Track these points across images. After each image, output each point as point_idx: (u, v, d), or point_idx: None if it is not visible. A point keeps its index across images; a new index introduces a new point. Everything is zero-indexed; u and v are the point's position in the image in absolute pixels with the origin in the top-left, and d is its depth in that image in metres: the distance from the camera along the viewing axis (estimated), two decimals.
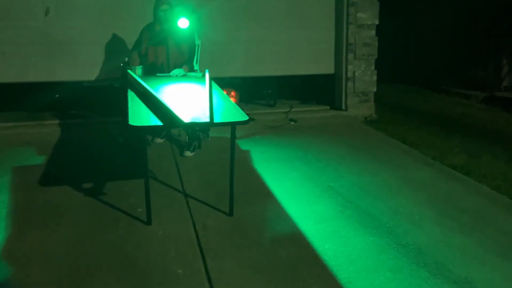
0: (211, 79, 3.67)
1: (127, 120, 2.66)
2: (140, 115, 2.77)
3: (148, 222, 2.94)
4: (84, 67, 5.31)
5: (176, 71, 4.15)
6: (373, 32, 5.84)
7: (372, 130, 5.41)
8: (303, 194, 3.48)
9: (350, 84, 5.88)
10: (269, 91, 6.24)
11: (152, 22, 4.24)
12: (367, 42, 5.82)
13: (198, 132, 4.05)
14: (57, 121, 5.26)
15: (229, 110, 2.92)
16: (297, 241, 2.79)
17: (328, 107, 6.18)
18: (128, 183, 3.59)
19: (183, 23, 4.04)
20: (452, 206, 3.30)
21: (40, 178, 3.67)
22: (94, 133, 5.00)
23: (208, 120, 2.48)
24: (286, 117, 5.70)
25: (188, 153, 4.23)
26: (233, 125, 2.72)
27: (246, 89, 6.16)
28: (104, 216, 3.08)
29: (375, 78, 5.98)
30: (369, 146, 4.70)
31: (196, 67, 4.24)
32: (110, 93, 5.57)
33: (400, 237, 2.84)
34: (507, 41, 8.72)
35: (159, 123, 2.60)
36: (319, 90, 6.39)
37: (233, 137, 2.89)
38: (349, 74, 5.85)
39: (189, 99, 3.22)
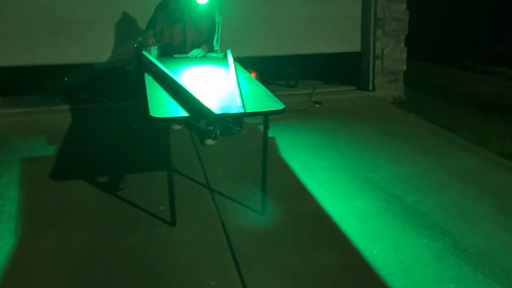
0: (235, 60, 3.33)
1: (146, 110, 2.34)
2: (161, 105, 2.44)
3: (172, 223, 2.64)
4: (94, 48, 4.96)
5: (195, 52, 3.80)
6: (404, 5, 5.39)
7: (404, 112, 5.02)
8: (340, 187, 3.15)
9: (378, 62, 5.47)
10: (290, 71, 5.85)
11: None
12: (397, 17, 5.38)
13: (230, 125, 3.68)
14: (67, 107, 4.96)
15: (261, 96, 2.57)
16: (340, 245, 2.47)
17: (353, 88, 5.78)
18: (147, 177, 3.29)
19: None
20: (509, 201, 2.96)
21: (52, 172, 3.38)
22: (107, 120, 4.68)
23: (241, 110, 2.14)
24: (309, 99, 5.33)
25: (209, 141, 3.91)
26: (267, 114, 2.38)
27: (265, 69, 5.77)
28: (123, 215, 2.78)
29: (405, 56, 5.56)
30: (404, 131, 4.33)
31: (216, 47, 3.88)
32: (123, 76, 5.23)
33: (457, 239, 2.51)
34: None
35: (185, 114, 2.26)
36: (343, 69, 5.98)
37: (266, 128, 2.55)
38: (377, 52, 5.44)
39: (214, 85, 2.87)
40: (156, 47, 3.84)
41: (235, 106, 2.25)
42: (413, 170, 3.42)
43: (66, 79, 5.49)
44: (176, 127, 4.28)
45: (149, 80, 2.93)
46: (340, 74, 5.99)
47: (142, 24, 4.39)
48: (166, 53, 3.87)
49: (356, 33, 5.57)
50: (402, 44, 5.50)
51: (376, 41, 5.39)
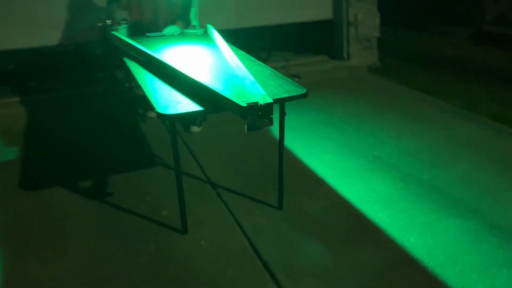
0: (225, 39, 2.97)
1: (125, 97, 1.96)
2: (166, 98, 2.06)
3: (184, 230, 2.31)
4: (42, 29, 4.33)
5: (170, 29, 3.36)
6: None
7: (385, 81, 4.88)
8: (349, 169, 2.95)
9: (352, 29, 5.25)
10: (261, 44, 5.50)
11: None
12: None
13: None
14: (18, 99, 4.33)
15: (275, 79, 2.26)
16: (373, 236, 2.28)
17: (326, 57, 5.54)
18: (136, 176, 2.91)
19: None
20: None
21: (21, 180, 2.91)
22: (68, 111, 4.15)
23: (269, 99, 1.83)
24: (286, 73, 5.03)
25: (195, 129, 3.56)
26: (291, 100, 2.08)
27: (234, 43, 5.39)
28: (122, 226, 2.42)
29: (378, 21, 5.36)
30: (392, 102, 4.19)
31: (194, 22, 3.45)
32: (79, 60, 4.66)
33: (489, 217, 2.40)
34: None
35: (199, 107, 1.91)
36: (314, 38, 5.71)
37: (283, 114, 2.26)
38: (351, 18, 5.20)
39: (216, 70, 2.50)
40: (125, 25, 3.37)
41: (259, 94, 1.93)
42: (417, 144, 3.28)
43: (10, 67, 4.81)
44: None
45: (135, 68, 2.51)
46: (312, 44, 5.72)
47: None
48: (135, 32, 3.40)
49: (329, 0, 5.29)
50: (375, 8, 5.30)
51: (349, 6, 5.14)
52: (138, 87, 2.35)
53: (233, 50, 2.76)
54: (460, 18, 8.89)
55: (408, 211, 2.47)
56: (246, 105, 1.77)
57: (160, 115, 1.88)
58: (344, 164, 3.01)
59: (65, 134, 3.64)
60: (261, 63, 2.58)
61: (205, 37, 3.33)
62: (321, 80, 4.84)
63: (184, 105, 1.96)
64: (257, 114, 1.79)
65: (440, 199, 2.57)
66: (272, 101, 1.83)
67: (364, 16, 5.24)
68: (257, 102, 1.79)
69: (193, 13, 3.40)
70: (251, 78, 2.13)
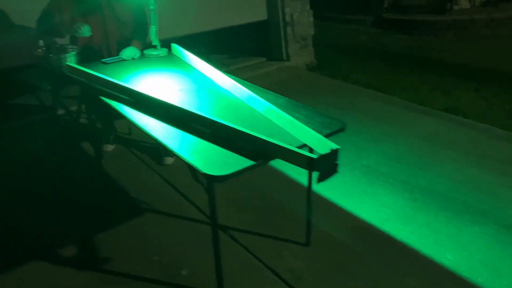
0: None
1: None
2: (196, 151, 1.75)
3: None
4: None
5: (128, 52, 2.93)
6: None
7: (330, 79, 4.92)
8: (349, 184, 2.88)
9: (289, 29, 5.18)
10: (203, 50, 5.17)
11: None
12: None
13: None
14: None
15: (297, 110, 2.06)
16: (412, 259, 2.24)
17: (264, 59, 5.43)
18: (126, 230, 2.51)
19: None
20: (502, 160, 3.10)
21: None
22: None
23: (334, 145, 1.64)
24: None
25: (169, 160, 3.20)
26: (333, 135, 1.90)
27: None
28: None
29: (312, 19, 5.38)
30: (348, 102, 4.22)
31: (155, 41, 3.06)
32: None
33: (498, 218, 2.51)
34: None
35: (250, 161, 1.65)
36: (247, 40, 5.54)
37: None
38: (287, 18, 5.13)
39: (220, 104, 2.21)
40: (74, 52, 2.86)
41: (311, 136, 1.72)
42: (395, 146, 3.35)
43: None
44: (109, 147, 3.39)
45: (125, 109, 2.12)
46: (245, 46, 5.55)
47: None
48: (85, 59, 2.90)
49: (262, 1, 5.13)
50: (308, 6, 5.29)
51: (284, 6, 5.06)
52: (145, 134, 1.97)
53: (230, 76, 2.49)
54: (361, 6, 9.38)
55: (428, 224, 2.48)
56: (317, 157, 1.56)
57: (209, 177, 1.59)
58: (341, 180, 2.93)
59: (12, 186, 3.02)
60: (264, 89, 2.36)
61: (172, 58, 2.97)
62: (269, 84, 4.69)
63: (230, 160, 1.67)
64: (326, 163, 1.60)
65: (448, 206, 2.63)
66: (339, 147, 1.64)
67: (299, 15, 5.21)
68: (329, 151, 1.60)
69: (154, 32, 3.01)
70: (281, 113, 1.91)
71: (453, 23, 7.51)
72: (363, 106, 4.11)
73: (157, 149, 3.25)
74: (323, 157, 1.58)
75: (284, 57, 5.30)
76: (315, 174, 1.64)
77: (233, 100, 2.25)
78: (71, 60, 2.80)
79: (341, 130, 1.95)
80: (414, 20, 7.89)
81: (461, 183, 2.85)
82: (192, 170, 1.81)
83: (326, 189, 2.81)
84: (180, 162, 3.16)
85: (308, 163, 1.58)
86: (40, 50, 2.95)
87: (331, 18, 9.20)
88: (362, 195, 2.77)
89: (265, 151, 1.70)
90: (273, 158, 1.71)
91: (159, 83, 2.48)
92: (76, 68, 2.57)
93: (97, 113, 3.14)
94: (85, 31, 2.82)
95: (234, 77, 2.44)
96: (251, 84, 2.40)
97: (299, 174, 2.95)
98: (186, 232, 2.47)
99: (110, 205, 2.75)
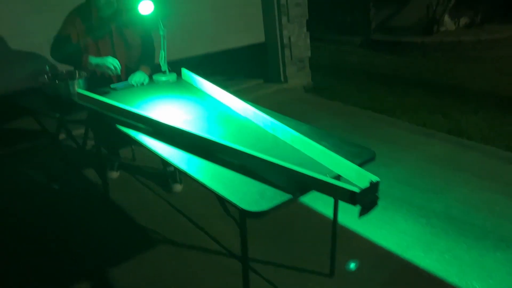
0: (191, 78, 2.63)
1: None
2: (228, 185, 1.68)
3: None
4: None
5: (137, 77, 2.87)
6: None
7: (329, 101, 4.92)
8: (372, 213, 2.84)
9: (287, 51, 5.19)
10: (198, 72, 5.12)
11: (86, 7, 2.78)
12: (298, 2, 5.14)
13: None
14: None
15: (324, 138, 2.02)
16: None
17: (261, 81, 5.42)
18: (139, 261, 2.40)
19: (147, 7, 2.73)
20: (509, 183, 3.11)
21: None
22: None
23: (376, 177, 1.60)
24: None
25: (178, 187, 3.11)
26: (364, 164, 1.87)
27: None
28: None
29: (308, 41, 5.41)
30: (353, 125, 4.22)
31: (164, 67, 3.00)
32: None
33: None
34: None
35: (287, 194, 1.59)
36: (246, 62, 5.53)
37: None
38: (285, 41, 5.14)
39: (243, 134, 2.16)
40: (82, 79, 2.78)
41: (347, 168, 1.68)
42: (404, 169, 3.33)
43: None
44: (114, 175, 3.29)
45: (142, 139, 2.05)
46: (243, 68, 5.53)
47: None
48: (93, 85, 2.82)
49: (259, 23, 5.15)
50: (305, 29, 5.32)
51: (282, 29, 5.08)
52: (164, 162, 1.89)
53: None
54: (348, 27, 9.55)
55: (450, 251, 2.44)
56: (360, 191, 1.51)
57: (248, 214, 1.52)
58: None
59: (13, 219, 2.88)
60: (284, 116, 2.32)
61: (182, 84, 2.92)
62: (268, 107, 4.66)
63: (266, 193, 1.61)
64: (367, 196, 1.55)
65: (467, 231, 2.60)
66: (379, 179, 1.60)
67: (296, 38, 5.23)
68: (369, 185, 1.55)
69: (163, 57, 2.96)
70: (310, 142, 1.86)
71: (441, 44, 7.68)
72: (367, 128, 4.11)
73: (164, 176, 3.16)
74: (365, 191, 1.54)
75: (282, 79, 5.29)
76: (339, 204, 1.59)
77: (254, 127, 2.21)
78: (79, 86, 2.72)
79: (371, 159, 1.92)
80: (403, 41, 8.05)
81: (476, 207, 2.83)
82: (222, 202, 1.74)
83: (343, 216, 2.76)
84: (188, 189, 3.09)
85: (350, 197, 1.53)
86: (46, 76, 2.86)
87: (319, 39, 9.31)
88: (379, 222, 2.72)
89: (301, 184, 1.64)
90: (309, 190, 1.65)
91: (173, 111, 2.42)
92: (87, 96, 2.49)
93: (103, 140, 3.04)
94: (118, 69, 2.74)
95: (252, 103, 2.39)
96: (268, 110, 2.35)
97: (313, 201, 2.90)
98: (204, 263, 2.38)
99: (122, 237, 2.64)
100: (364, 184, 1.59)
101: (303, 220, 2.77)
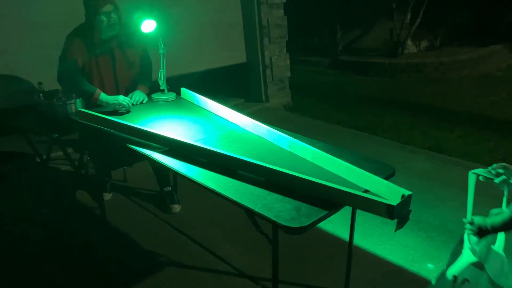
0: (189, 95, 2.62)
1: None
2: (266, 204, 1.67)
3: None
4: None
5: (136, 96, 2.82)
6: (282, 11, 5.29)
7: (313, 120, 5.02)
8: (364, 226, 2.89)
9: (268, 71, 5.27)
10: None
11: (87, 27, 2.71)
12: (278, 23, 5.25)
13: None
14: None
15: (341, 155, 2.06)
16: None
17: (242, 100, 5.45)
18: (149, 286, 2.31)
19: (149, 25, 2.71)
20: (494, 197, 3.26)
21: None
22: None
23: (408, 191, 1.64)
24: None
25: (175, 207, 3.04)
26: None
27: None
28: None
29: (288, 62, 5.52)
30: (340, 143, 4.29)
31: (164, 85, 2.96)
32: None
33: None
34: (339, 9, 9.35)
35: (322, 210, 1.59)
36: (226, 82, 5.55)
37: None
38: (266, 61, 5.22)
39: (263, 152, 2.16)
40: (80, 98, 2.70)
41: (383, 186, 1.72)
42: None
43: None
44: (107, 196, 3.18)
45: (156, 157, 2.00)
46: (223, 88, 5.54)
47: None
48: (91, 104, 2.73)
49: (241, 43, 5.20)
50: (285, 50, 5.43)
51: (264, 50, 5.16)
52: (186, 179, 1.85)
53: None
54: (316, 49, 9.83)
55: None
56: (396, 204, 1.55)
57: (289, 230, 1.51)
58: (356, 222, 2.93)
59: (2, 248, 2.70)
60: (296, 134, 2.34)
61: (182, 102, 2.90)
62: None
63: (302, 210, 1.61)
64: (403, 210, 1.59)
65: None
66: (411, 192, 1.65)
67: (277, 58, 5.32)
68: (404, 198, 1.59)
69: (162, 76, 2.92)
70: (334, 159, 1.90)
71: (407, 66, 8.05)
72: (353, 147, 4.20)
73: (161, 197, 3.09)
74: (401, 204, 1.57)
75: (263, 99, 5.35)
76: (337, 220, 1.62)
77: (269, 145, 2.22)
78: (78, 106, 2.63)
79: (392, 175, 1.97)
80: (370, 63, 8.37)
81: None
82: (252, 219, 1.73)
83: (342, 229, 2.81)
84: (186, 209, 3.03)
85: (388, 211, 1.56)
86: (40, 94, 2.75)
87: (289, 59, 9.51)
88: (381, 237, 2.78)
89: (334, 200, 1.66)
90: (343, 206, 1.68)
91: (182, 130, 2.39)
92: (91, 115, 2.41)
93: (99, 161, 2.95)
94: (130, 106, 2.66)
95: (265, 123, 2.40)
96: (280, 128, 2.37)
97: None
98: (216, 285, 2.33)
99: (124, 261, 2.54)
100: (395, 198, 1.63)
101: (313, 238, 2.77)
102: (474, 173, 1.70)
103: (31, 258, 2.56)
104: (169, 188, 3.06)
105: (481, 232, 1.57)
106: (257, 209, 1.63)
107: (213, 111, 2.71)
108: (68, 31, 2.73)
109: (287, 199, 1.69)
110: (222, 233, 2.77)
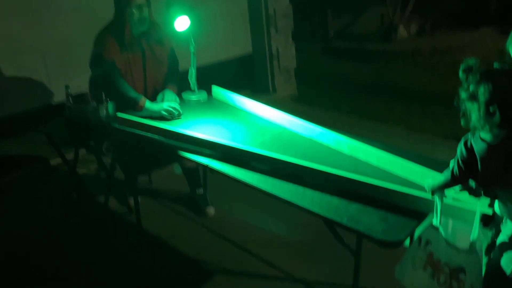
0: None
1: None
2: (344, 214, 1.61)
3: None
4: None
5: (168, 97, 2.69)
6: (287, 0, 5.16)
7: (327, 112, 4.95)
8: None
9: (275, 62, 5.16)
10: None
11: (116, 24, 2.56)
12: (285, 13, 5.13)
13: None
14: None
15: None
16: None
17: (248, 91, 5.33)
18: None
19: (183, 23, 2.58)
20: None
21: None
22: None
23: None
24: None
25: (211, 210, 2.95)
26: None
27: None
28: None
29: (294, 52, 5.42)
30: (358, 135, 4.26)
31: (194, 86, 2.84)
32: None
33: None
34: None
35: (411, 220, 1.54)
36: (231, 73, 5.41)
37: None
38: (274, 51, 5.11)
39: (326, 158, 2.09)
40: (112, 102, 2.55)
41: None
42: None
43: None
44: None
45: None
46: (230, 80, 5.41)
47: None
48: (122, 107, 2.58)
49: (246, 34, 5.07)
50: (290, 39, 5.32)
51: (271, 40, 5.04)
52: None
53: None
54: (307, 35, 9.72)
55: None
56: (492, 213, 1.51)
57: (385, 243, 1.46)
58: None
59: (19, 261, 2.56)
60: (342, 132, 2.26)
61: (215, 103, 2.80)
62: None
63: (389, 221, 1.56)
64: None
65: None
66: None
67: (283, 48, 5.22)
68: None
69: (193, 75, 2.80)
70: (403, 162, 1.85)
71: (402, 52, 8.05)
72: (372, 138, 4.16)
73: (191, 199, 2.99)
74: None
75: (270, 90, 5.25)
76: None
77: (325, 148, 2.14)
78: (110, 110, 2.50)
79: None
80: (364, 49, 8.33)
81: None
82: (333, 230, 1.67)
83: None
84: (221, 212, 2.94)
85: (484, 219, 1.52)
86: (69, 98, 2.58)
87: None
88: None
89: (420, 209, 1.61)
90: (429, 215, 1.63)
91: (225, 134, 2.29)
92: (131, 120, 2.28)
93: (130, 166, 2.82)
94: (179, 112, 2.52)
95: (311, 123, 2.32)
96: (333, 129, 2.30)
97: None
98: None
99: (172, 273, 2.44)
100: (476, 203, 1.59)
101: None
102: None
103: (63, 272, 2.44)
104: (201, 191, 2.96)
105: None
106: (344, 222, 1.57)
107: (251, 111, 2.62)
108: (93, 31, 2.58)
109: (369, 208, 1.64)
110: (264, 236, 2.70)
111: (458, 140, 1.43)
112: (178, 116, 2.51)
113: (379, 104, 5.24)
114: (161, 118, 2.48)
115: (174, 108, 2.50)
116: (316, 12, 9.60)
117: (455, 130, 4.37)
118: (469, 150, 1.34)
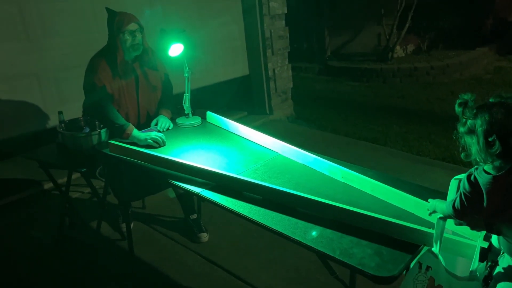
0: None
1: None
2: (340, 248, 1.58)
3: None
4: None
5: (161, 122, 2.68)
6: (283, 22, 5.21)
7: (323, 133, 4.95)
8: None
9: (271, 83, 5.18)
10: (178, 107, 4.93)
11: (109, 50, 2.56)
12: (281, 35, 5.16)
13: None
14: None
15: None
16: None
17: (245, 113, 5.33)
18: None
19: (177, 49, 2.58)
20: None
21: None
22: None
23: None
24: None
25: (204, 236, 2.90)
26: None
27: None
28: None
29: (290, 73, 5.44)
30: (354, 156, 4.24)
31: (188, 110, 2.83)
32: None
33: None
34: (327, 14, 9.35)
35: (405, 255, 1.51)
36: (228, 95, 5.43)
37: None
38: (270, 73, 5.13)
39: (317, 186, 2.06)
40: (105, 129, 2.53)
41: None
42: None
43: None
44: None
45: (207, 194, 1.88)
46: (227, 101, 5.42)
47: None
48: (114, 133, 2.55)
49: (243, 55, 5.09)
50: (287, 61, 5.35)
51: (267, 61, 5.06)
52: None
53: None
54: (304, 55, 9.79)
55: None
56: (488, 245, 1.48)
57: (381, 280, 1.42)
58: None
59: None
60: (340, 161, 2.25)
61: (209, 127, 2.78)
62: None
63: (383, 254, 1.52)
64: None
65: None
66: None
67: (280, 70, 5.24)
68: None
69: (187, 100, 2.80)
70: (398, 193, 1.82)
71: (398, 71, 8.10)
72: (369, 159, 4.15)
73: (184, 224, 2.95)
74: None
75: (267, 111, 5.25)
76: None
77: (320, 176, 2.11)
78: (102, 137, 2.48)
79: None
80: (362, 68, 8.37)
81: None
82: (326, 264, 1.63)
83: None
84: (214, 237, 2.90)
85: (481, 254, 1.49)
86: (62, 125, 2.57)
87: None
88: None
89: (415, 241, 1.58)
90: (424, 247, 1.59)
91: (217, 160, 2.27)
92: (123, 147, 2.26)
93: (122, 192, 2.79)
94: (164, 141, 2.48)
95: (309, 151, 2.29)
96: (327, 157, 2.27)
97: None
98: None
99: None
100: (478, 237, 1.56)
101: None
102: (456, 179, 1.59)
103: None
104: (195, 216, 2.93)
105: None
106: (336, 255, 1.53)
107: (245, 137, 2.60)
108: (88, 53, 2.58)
109: (363, 242, 1.60)
110: (258, 263, 2.66)
111: (455, 162, 1.41)
112: (164, 143, 2.46)
113: (376, 124, 5.24)
114: (148, 146, 2.43)
115: (161, 138, 2.45)
116: (313, 32, 9.69)
117: (452, 151, 4.36)
118: (473, 184, 1.32)
